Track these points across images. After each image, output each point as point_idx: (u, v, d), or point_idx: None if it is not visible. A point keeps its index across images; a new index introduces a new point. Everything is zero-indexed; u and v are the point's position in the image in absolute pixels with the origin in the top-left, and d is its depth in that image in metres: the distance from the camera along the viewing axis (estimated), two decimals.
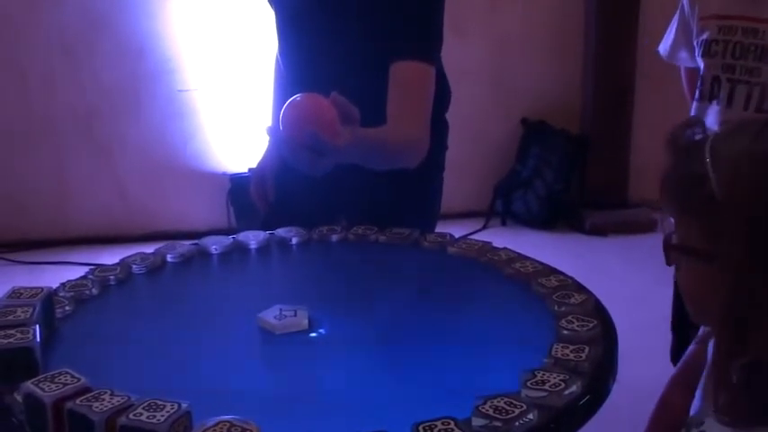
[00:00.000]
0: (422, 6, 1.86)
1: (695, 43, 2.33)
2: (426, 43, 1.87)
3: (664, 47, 2.51)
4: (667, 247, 1.17)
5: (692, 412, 1.38)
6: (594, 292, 1.60)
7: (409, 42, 1.85)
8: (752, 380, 1.04)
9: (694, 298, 1.18)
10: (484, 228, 5.07)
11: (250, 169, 4.75)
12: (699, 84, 2.31)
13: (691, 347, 1.53)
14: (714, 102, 2.25)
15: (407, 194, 2.06)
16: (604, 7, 4.80)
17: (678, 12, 2.43)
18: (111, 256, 1.94)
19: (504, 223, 5.16)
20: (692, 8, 2.34)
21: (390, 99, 1.84)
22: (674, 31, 2.46)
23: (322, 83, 1.70)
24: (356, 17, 1.92)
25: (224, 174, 4.83)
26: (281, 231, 1.95)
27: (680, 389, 1.51)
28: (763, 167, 1.01)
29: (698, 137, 1.11)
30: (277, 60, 2.25)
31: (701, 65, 2.30)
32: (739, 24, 2.19)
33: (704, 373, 1.36)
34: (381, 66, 1.85)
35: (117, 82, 4.64)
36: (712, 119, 2.22)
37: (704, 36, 2.27)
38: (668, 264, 1.20)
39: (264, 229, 1.96)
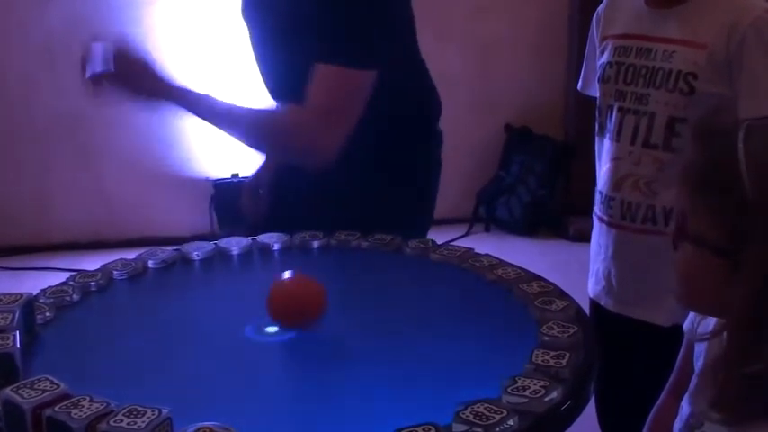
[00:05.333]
0: (339, 11, 1.86)
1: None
2: (344, 47, 1.86)
3: (581, 77, 2.17)
4: (680, 235, 1.14)
5: (678, 419, 1.38)
6: (578, 299, 1.60)
7: (324, 46, 1.86)
8: (759, 381, 1.04)
9: (693, 285, 1.16)
10: (467, 234, 5.08)
11: (234, 175, 4.75)
12: (596, 114, 1.99)
13: (681, 354, 1.52)
14: (607, 135, 1.93)
15: (400, 217, 2.06)
16: (588, 13, 4.83)
17: (589, 33, 2.11)
18: (93, 262, 1.94)
19: (487, 229, 5.17)
20: (597, 27, 2.04)
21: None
22: (585, 57, 2.14)
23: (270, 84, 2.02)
24: (284, 26, 2.00)
25: (207, 179, 4.82)
26: (263, 237, 1.95)
27: (674, 397, 1.51)
28: None
29: (728, 125, 1.06)
30: None
31: (598, 92, 1.98)
32: (635, 44, 1.87)
33: (694, 380, 1.36)
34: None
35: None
36: (605, 156, 1.94)
37: (602, 59, 1.97)
38: (675, 249, 1.17)
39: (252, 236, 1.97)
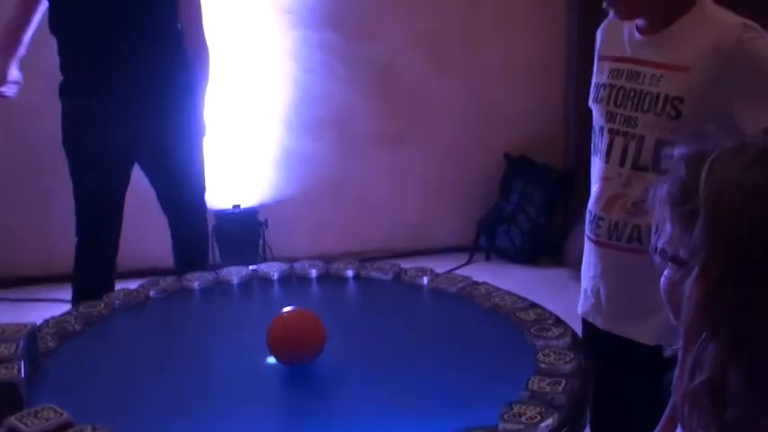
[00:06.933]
0: None
1: None
2: None
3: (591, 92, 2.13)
4: (653, 249, 1.18)
5: None
6: (577, 327, 1.62)
7: None
8: (715, 398, 1.05)
9: (670, 302, 1.20)
10: (468, 263, 5.09)
11: (235, 206, 4.76)
12: (591, 133, 2.02)
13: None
14: (597, 155, 1.97)
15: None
16: (586, 41, 4.86)
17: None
18: None
19: (488, 258, 5.18)
20: (599, 45, 2.06)
21: None
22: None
23: None
24: None
25: (209, 210, 4.84)
26: (262, 267, 1.97)
27: (671, 421, 1.52)
28: (748, 199, 1.03)
29: (710, 148, 1.10)
30: None
31: (594, 112, 2.01)
32: (627, 68, 1.91)
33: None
34: None
35: None
36: (595, 176, 1.98)
37: (597, 79, 2.00)
38: (652, 263, 1.21)
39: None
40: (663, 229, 1.16)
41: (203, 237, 3.46)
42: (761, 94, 1.75)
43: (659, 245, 1.16)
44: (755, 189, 1.04)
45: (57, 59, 3.08)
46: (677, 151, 1.14)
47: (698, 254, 1.06)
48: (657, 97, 1.81)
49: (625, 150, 1.87)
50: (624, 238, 1.88)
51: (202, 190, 3.27)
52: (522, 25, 4.82)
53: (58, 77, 3.13)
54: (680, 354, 1.14)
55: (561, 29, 4.97)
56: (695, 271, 1.07)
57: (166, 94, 2.86)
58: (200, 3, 2.89)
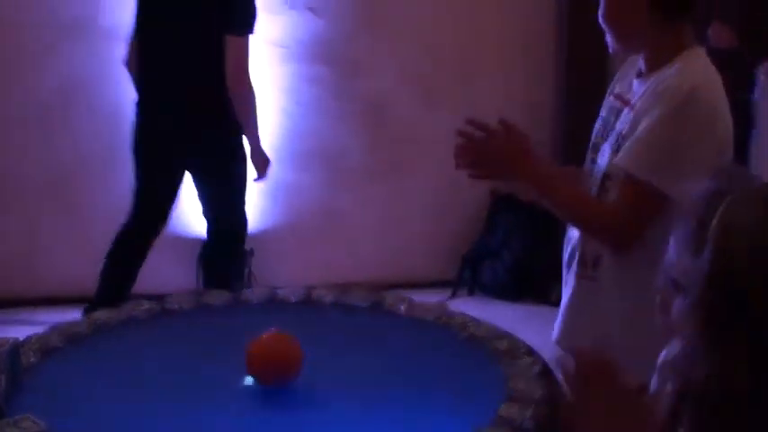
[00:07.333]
0: None
1: None
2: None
3: None
4: (664, 275, 1.22)
5: None
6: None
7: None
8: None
9: (663, 321, 1.24)
10: (452, 297, 5.12)
11: None
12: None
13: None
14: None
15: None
16: (573, 81, 4.93)
17: None
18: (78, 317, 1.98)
19: (471, 293, 5.20)
20: (613, 81, 2.12)
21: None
22: None
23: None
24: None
25: (195, 237, 4.87)
26: (243, 292, 2.00)
27: None
28: (752, 244, 1.05)
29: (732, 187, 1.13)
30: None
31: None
32: (615, 104, 1.97)
33: None
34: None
35: (92, 146, 4.69)
36: None
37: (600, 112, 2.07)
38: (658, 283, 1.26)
39: None
40: (672, 255, 1.19)
41: (224, 262, 3.92)
42: (636, 137, 1.79)
43: (667, 268, 1.20)
44: (757, 237, 1.06)
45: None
46: (702, 186, 1.18)
47: (696, 285, 1.10)
48: (617, 132, 1.88)
49: (595, 180, 1.92)
50: (589, 266, 1.92)
51: (231, 217, 3.80)
52: (512, 64, 4.89)
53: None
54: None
55: (550, 69, 5.03)
56: (689, 300, 1.10)
57: (215, 126, 3.45)
58: (245, 52, 3.38)
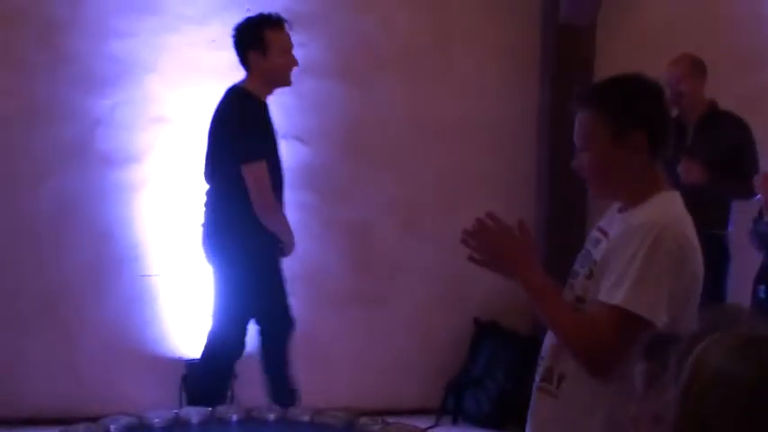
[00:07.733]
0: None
1: None
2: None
3: None
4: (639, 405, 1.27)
5: None
6: None
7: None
8: None
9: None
10: (435, 426, 5.10)
11: None
12: None
13: None
14: None
15: None
16: (556, 214, 5.04)
17: None
18: None
19: (455, 421, 5.18)
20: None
21: None
22: None
23: None
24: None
25: (180, 359, 4.87)
26: (221, 409, 2.04)
27: None
28: (715, 384, 1.10)
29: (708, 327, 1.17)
30: None
31: None
32: (596, 235, 2.11)
33: None
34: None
35: (81, 264, 4.74)
36: None
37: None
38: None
39: None
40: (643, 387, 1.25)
41: (199, 374, 4.29)
42: (618, 272, 1.90)
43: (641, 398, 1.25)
44: (725, 376, 1.10)
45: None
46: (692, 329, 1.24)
47: (670, 415, 1.15)
48: (593, 261, 2.01)
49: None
50: (554, 382, 1.99)
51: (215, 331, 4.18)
52: (493, 192, 5.00)
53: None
54: None
55: (532, 191, 5.13)
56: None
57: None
58: (267, 193, 3.89)
